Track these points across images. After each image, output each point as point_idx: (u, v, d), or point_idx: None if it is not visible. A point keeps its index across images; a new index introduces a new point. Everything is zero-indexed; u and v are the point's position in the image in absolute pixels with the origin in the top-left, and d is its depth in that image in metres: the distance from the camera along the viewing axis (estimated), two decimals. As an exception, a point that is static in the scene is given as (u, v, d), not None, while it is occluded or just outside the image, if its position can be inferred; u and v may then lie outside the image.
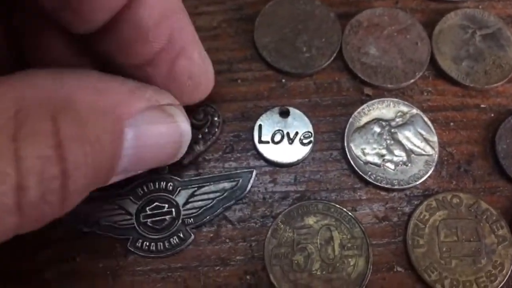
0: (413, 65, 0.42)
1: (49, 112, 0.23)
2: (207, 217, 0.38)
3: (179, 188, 0.38)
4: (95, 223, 0.37)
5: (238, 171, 0.39)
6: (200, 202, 0.38)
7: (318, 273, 0.36)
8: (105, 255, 0.37)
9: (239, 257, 0.37)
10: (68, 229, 0.37)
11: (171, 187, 0.38)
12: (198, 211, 0.38)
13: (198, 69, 0.33)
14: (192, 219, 0.38)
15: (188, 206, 0.38)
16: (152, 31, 0.28)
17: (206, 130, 0.40)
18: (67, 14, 0.26)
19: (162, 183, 0.38)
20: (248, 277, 0.37)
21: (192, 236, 0.37)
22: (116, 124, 0.26)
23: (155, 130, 0.29)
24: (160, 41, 0.29)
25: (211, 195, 0.38)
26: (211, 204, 0.38)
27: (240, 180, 0.38)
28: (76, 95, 0.25)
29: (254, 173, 0.38)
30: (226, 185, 0.38)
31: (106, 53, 0.29)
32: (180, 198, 0.38)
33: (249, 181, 0.38)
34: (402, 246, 0.38)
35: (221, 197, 0.38)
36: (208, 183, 0.38)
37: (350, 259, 0.37)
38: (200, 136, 0.39)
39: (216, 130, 0.40)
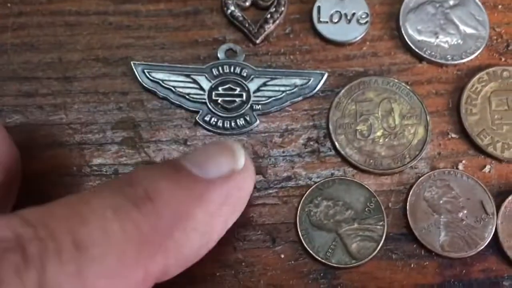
0: (464, -50, 0.43)
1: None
2: (274, 107, 0.40)
3: (252, 76, 0.40)
4: (169, 90, 0.39)
5: (311, 70, 0.41)
6: (270, 92, 0.40)
7: (381, 140, 0.39)
8: (177, 124, 0.39)
9: (301, 126, 0.40)
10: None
11: (245, 73, 0.40)
12: (267, 100, 0.40)
13: None
14: (260, 106, 0.40)
15: (258, 93, 0.40)
16: None
17: (274, 9, 0.41)
18: None
19: (237, 68, 0.40)
20: (311, 143, 0.39)
21: (257, 121, 0.39)
22: None
23: None
24: None
25: (282, 88, 0.40)
26: (280, 96, 0.40)
27: (311, 79, 0.40)
28: None
29: (325, 76, 0.40)
30: (297, 81, 0.40)
31: None
32: (252, 85, 0.40)
33: (319, 82, 0.40)
34: (456, 115, 0.40)
35: (290, 91, 0.40)
36: (280, 76, 0.40)
37: (410, 127, 0.39)
38: (268, 15, 0.41)
39: (283, 8, 0.41)
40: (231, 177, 0.27)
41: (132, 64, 0.39)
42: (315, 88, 0.40)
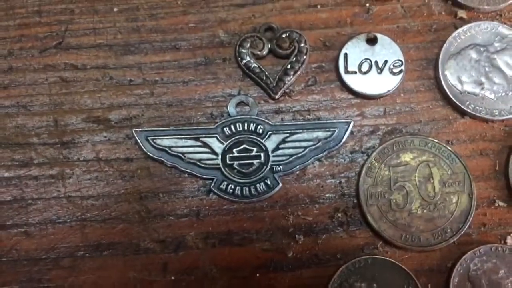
0: (513, -16, 0.38)
1: None
2: (297, 166, 0.35)
3: (270, 132, 0.35)
4: (177, 158, 0.35)
5: (334, 120, 0.36)
6: (291, 150, 0.35)
7: (419, 212, 0.34)
8: (188, 194, 0.35)
9: (328, 195, 0.35)
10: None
11: (261, 130, 0.35)
12: (288, 159, 0.35)
13: None
14: (281, 167, 0.35)
15: (278, 152, 0.35)
16: None
17: (294, 59, 0.36)
18: None
19: (251, 124, 0.35)
20: (339, 215, 0.35)
21: (280, 185, 0.35)
22: None
23: None
24: None
25: (303, 144, 0.35)
26: (302, 153, 0.35)
27: (336, 131, 0.35)
28: None
29: (351, 124, 0.35)
30: (320, 134, 0.35)
31: None
32: (270, 143, 0.35)
33: (345, 132, 0.35)
34: (503, 179, 0.35)
35: (313, 147, 0.35)
36: (301, 130, 0.35)
37: (452, 196, 0.34)
38: (288, 66, 0.36)
39: (305, 57, 0.36)
40: None
41: (134, 132, 0.35)
42: (341, 140, 0.35)
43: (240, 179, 0.35)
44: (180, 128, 0.36)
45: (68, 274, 0.34)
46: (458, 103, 0.36)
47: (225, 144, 0.35)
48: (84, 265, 0.34)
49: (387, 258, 0.34)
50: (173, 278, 0.34)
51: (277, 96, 0.37)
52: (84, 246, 0.34)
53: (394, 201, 0.35)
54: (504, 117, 0.36)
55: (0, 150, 0.36)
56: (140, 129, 0.35)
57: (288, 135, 0.35)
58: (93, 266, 0.34)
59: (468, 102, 0.36)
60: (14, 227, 0.35)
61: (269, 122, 0.36)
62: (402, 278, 0.33)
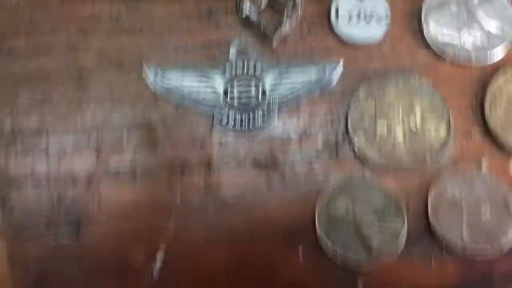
0: None
1: None
2: (292, 103, 0.39)
3: (267, 72, 0.39)
4: (182, 95, 0.39)
5: (326, 63, 0.39)
6: (287, 87, 0.39)
7: (402, 141, 0.38)
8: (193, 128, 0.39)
9: (319, 126, 0.39)
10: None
11: (259, 70, 0.39)
12: (284, 96, 0.39)
13: None
14: (277, 103, 0.39)
15: (275, 90, 0.39)
16: None
17: (290, 10, 0.40)
18: None
19: (250, 64, 0.39)
20: (330, 144, 0.38)
21: (276, 119, 0.38)
22: None
23: None
24: None
25: (298, 82, 0.39)
26: (297, 91, 0.39)
27: (327, 70, 0.39)
28: None
29: (341, 63, 0.39)
30: (314, 74, 0.39)
31: None
32: (267, 82, 0.39)
33: (336, 72, 0.39)
34: (479, 114, 0.39)
35: (307, 85, 0.39)
36: (295, 71, 0.39)
37: (431, 128, 0.38)
38: (284, 17, 0.40)
39: (299, 9, 0.40)
40: None
41: (143, 71, 0.39)
42: (332, 79, 0.39)
43: (240, 114, 0.39)
44: (186, 65, 0.39)
45: (85, 193, 0.37)
46: (439, 50, 0.40)
47: (226, 82, 0.39)
48: (100, 186, 0.38)
49: (372, 180, 0.37)
50: (178, 199, 0.37)
51: (274, 45, 0.40)
52: (99, 170, 0.38)
53: (379, 131, 0.38)
54: (480, 62, 0.40)
55: (22, 88, 0.39)
56: (149, 69, 0.39)
57: (284, 74, 0.39)
58: (108, 188, 0.38)
59: (448, 49, 0.40)
60: (37, 152, 0.38)
61: (266, 63, 0.39)
62: (386, 198, 0.37)
